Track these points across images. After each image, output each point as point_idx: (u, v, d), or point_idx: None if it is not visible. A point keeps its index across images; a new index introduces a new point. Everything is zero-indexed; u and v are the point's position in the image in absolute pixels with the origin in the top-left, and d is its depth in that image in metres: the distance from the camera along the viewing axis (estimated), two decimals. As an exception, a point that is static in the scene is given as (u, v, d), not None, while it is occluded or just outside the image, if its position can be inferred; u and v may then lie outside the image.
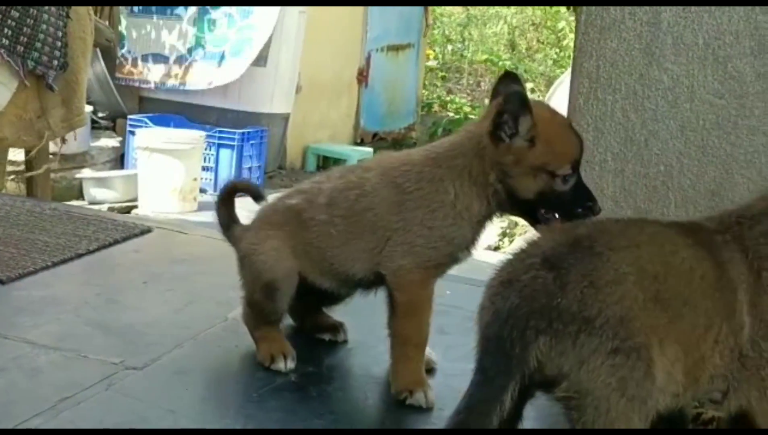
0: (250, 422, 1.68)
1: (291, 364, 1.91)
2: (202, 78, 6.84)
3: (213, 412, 1.72)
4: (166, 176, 5.95)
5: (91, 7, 3.44)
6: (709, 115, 1.78)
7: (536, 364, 1.22)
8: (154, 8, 7.07)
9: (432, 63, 11.55)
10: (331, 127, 8.08)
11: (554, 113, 1.74)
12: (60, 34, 3.99)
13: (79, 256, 2.43)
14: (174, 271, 2.41)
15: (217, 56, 6.89)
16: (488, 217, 1.77)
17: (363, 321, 2.07)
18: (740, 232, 1.38)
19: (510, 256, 1.35)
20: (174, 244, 2.67)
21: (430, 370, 1.95)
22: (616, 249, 1.30)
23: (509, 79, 1.78)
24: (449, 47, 12.20)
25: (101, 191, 6.18)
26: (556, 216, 1.69)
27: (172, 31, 7.04)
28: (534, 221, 1.73)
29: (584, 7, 1.84)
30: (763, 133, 1.74)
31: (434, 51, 11.71)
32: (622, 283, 1.26)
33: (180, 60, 7.01)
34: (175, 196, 5.98)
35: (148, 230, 2.68)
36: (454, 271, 1.89)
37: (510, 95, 1.67)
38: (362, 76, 8.49)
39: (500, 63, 11.24)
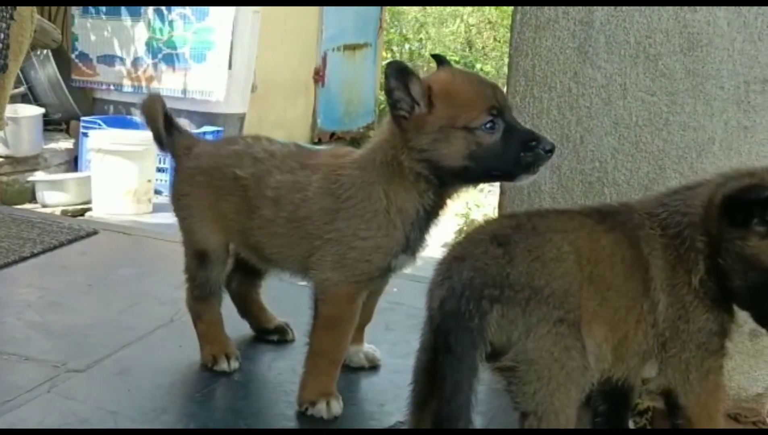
0: (192, 422, 1.69)
1: (235, 365, 1.91)
2: (173, 84, 6.77)
3: (155, 412, 1.72)
4: (119, 178, 5.89)
5: (35, 9, 3.38)
6: (642, 111, 1.81)
7: (491, 334, 1.26)
8: (108, 9, 7.00)
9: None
10: (288, 127, 8.05)
11: (456, 72, 1.69)
12: (2, 36, 3.92)
13: (24, 259, 2.42)
14: (119, 274, 2.40)
15: (176, 59, 6.84)
16: (430, 213, 1.68)
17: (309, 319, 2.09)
18: (655, 213, 1.42)
19: (459, 239, 1.39)
20: (120, 246, 2.66)
21: (375, 367, 1.97)
22: (556, 231, 1.35)
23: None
24: (407, 46, 12.22)
25: (54, 194, 6.11)
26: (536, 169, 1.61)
27: (127, 33, 6.98)
28: (508, 179, 1.66)
29: (519, 7, 1.87)
30: (693, 129, 1.78)
31: (392, 50, 11.74)
32: (564, 261, 1.31)
33: (137, 62, 6.96)
34: (130, 197, 5.93)
35: (95, 232, 2.67)
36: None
37: (387, 70, 1.61)
38: (318, 76, 8.49)
39: (457, 62, 11.29)
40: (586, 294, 1.31)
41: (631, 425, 1.69)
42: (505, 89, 1.86)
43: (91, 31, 7.07)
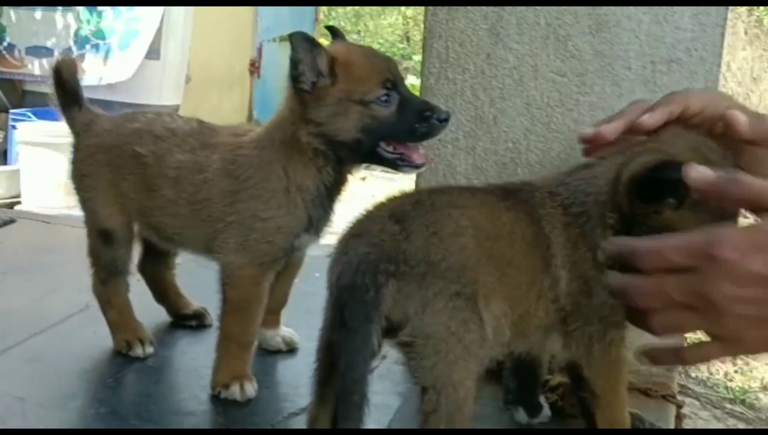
0: (102, 407, 1.66)
1: (149, 350, 1.89)
2: (90, 73, 6.66)
3: (65, 397, 1.69)
4: (50, 171, 5.79)
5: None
6: (553, 92, 1.84)
7: (387, 308, 1.25)
8: (38, -1, 6.87)
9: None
10: (224, 119, 7.90)
11: (351, 45, 1.70)
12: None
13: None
14: (35, 261, 2.36)
15: (103, 49, 6.74)
16: (331, 190, 1.69)
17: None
18: (556, 192, 1.44)
19: (358, 217, 1.38)
20: (37, 234, 2.61)
21: (293, 350, 1.97)
22: (455, 206, 1.35)
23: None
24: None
25: (-19, 188, 5.99)
26: (419, 149, 1.64)
27: (57, 23, 6.85)
28: (393, 165, 1.65)
29: (432, -12, 1.88)
30: (602, 109, 1.81)
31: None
32: (462, 235, 1.31)
33: (65, 53, 6.83)
34: (61, 190, 5.83)
35: (12, 221, 2.62)
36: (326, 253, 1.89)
37: (293, 41, 1.58)
38: (254, 67, 8.44)
39: (394, 53, 11.33)
40: (484, 269, 1.32)
41: (542, 401, 1.71)
42: (409, 62, 1.88)
43: (19, 22, 6.92)
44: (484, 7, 1.84)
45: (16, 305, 2.08)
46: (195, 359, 1.89)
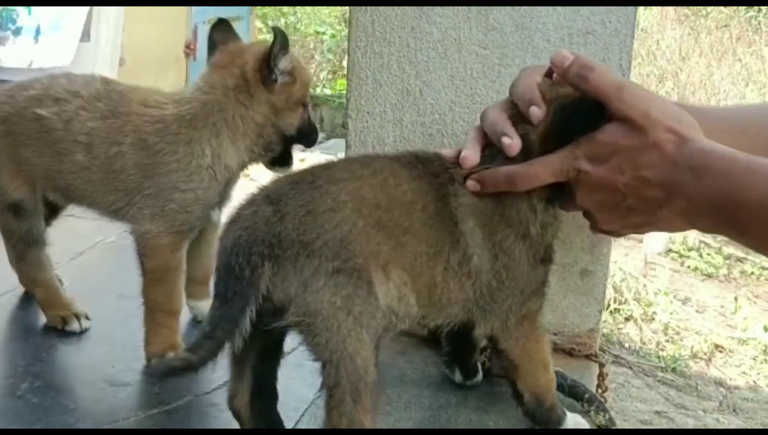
0: (37, 380, 1.68)
1: (86, 323, 1.90)
2: (18, 55, 6.52)
3: (1, 372, 1.70)
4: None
5: None
6: (476, 64, 1.89)
7: (266, 291, 1.27)
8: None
9: (265, 36, 11.48)
10: (160, 102, 7.91)
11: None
12: None
13: None
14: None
15: (32, 30, 6.60)
16: (241, 169, 1.79)
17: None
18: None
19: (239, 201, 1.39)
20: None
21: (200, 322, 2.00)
22: (335, 181, 1.36)
23: (224, 28, 1.83)
24: (282, 20, 12.15)
25: None
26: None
27: (-20, 4, 6.70)
28: (287, 164, 1.82)
29: (357, -37, 1.91)
30: (523, 81, 1.87)
31: (267, 24, 11.64)
32: (340, 211, 1.32)
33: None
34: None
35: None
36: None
37: (277, 35, 1.70)
38: (190, 49, 8.36)
39: (329, 35, 11.31)
40: (374, 240, 1.33)
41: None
42: (346, 44, 1.93)
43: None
44: (408, -18, 1.88)
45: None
46: (133, 332, 1.90)
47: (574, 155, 1.39)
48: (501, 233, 1.44)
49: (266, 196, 1.34)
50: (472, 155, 1.46)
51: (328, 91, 10.39)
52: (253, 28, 9.66)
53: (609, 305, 5.65)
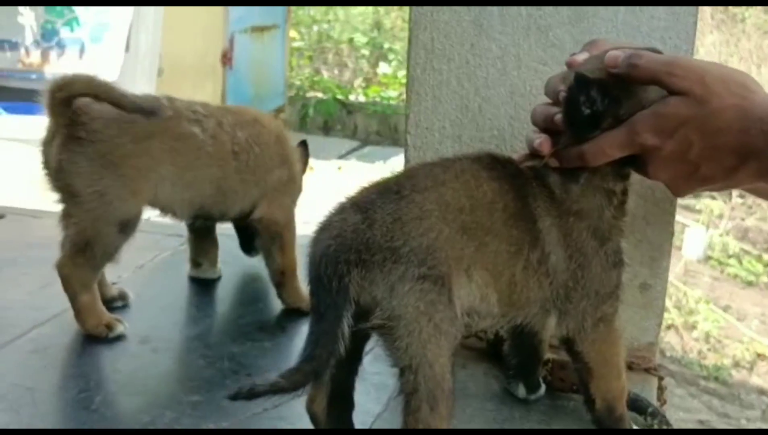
0: (109, 394, 1.72)
1: (127, 325, 1.97)
2: (65, 70, 6.62)
3: (72, 385, 1.74)
4: (22, 166, 5.78)
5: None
6: (535, 81, 1.91)
7: (355, 296, 1.30)
8: (3, -8, 6.82)
9: (298, 44, 11.56)
10: (197, 111, 7.99)
11: None
12: None
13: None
14: (29, 256, 2.39)
15: (77, 43, 6.71)
16: None
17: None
18: (546, 171, 1.51)
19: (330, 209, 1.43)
20: (28, 229, 2.64)
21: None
22: (419, 190, 1.39)
23: None
24: (315, 28, 12.23)
25: (-45, 184, 5.96)
26: None
27: (23, 17, 6.81)
28: None
29: (417, -18, 1.94)
30: (583, 96, 1.88)
31: (300, 32, 11.72)
32: (426, 219, 1.35)
33: (35, 46, 6.80)
34: (35, 185, 5.82)
35: (1, 216, 2.64)
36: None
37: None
38: (226, 58, 8.46)
39: (364, 42, 11.37)
40: (459, 244, 1.36)
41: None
42: (407, 43, 1.96)
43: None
44: None
45: (13, 299, 2.12)
46: (195, 344, 1.94)
47: (635, 130, 1.44)
48: (575, 230, 1.47)
49: (355, 205, 1.38)
50: (545, 140, 1.52)
51: (362, 99, 10.42)
52: (288, 37, 9.73)
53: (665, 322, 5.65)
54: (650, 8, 1.84)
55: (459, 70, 1.95)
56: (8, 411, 1.64)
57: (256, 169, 2.11)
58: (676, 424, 4.94)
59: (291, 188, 2.20)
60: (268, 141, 2.14)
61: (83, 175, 1.91)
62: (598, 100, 1.45)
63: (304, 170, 2.31)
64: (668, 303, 6.00)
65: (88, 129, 1.91)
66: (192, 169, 2.01)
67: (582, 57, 1.57)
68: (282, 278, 2.16)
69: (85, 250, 1.93)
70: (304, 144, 2.35)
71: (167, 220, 2.13)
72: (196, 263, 2.33)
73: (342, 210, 1.39)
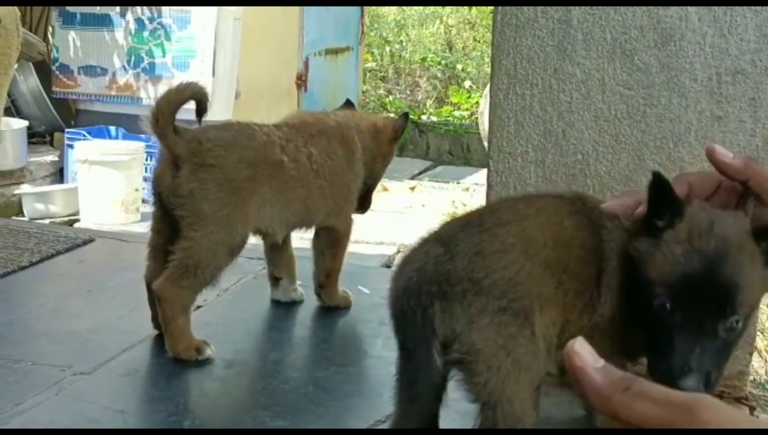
0: (198, 419, 1.75)
1: (214, 349, 2.00)
2: (156, 92, 6.78)
3: (162, 410, 1.77)
4: (107, 188, 5.94)
5: (20, 22, 3.43)
6: (620, 105, 1.89)
7: (437, 326, 1.30)
8: (88, 19, 7.03)
9: (370, 65, 11.64)
10: (273, 132, 8.10)
11: None
12: (-12, 49, 3.97)
13: (22, 268, 2.46)
14: (118, 279, 2.45)
15: (164, 68, 6.88)
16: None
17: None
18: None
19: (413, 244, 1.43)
20: (117, 252, 2.71)
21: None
22: (502, 224, 1.37)
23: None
24: (387, 49, 12.30)
25: (41, 206, 6.14)
26: None
27: (108, 43, 7.01)
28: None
29: (499, 7, 1.94)
30: (669, 120, 1.86)
31: (372, 53, 11.81)
32: (508, 252, 1.33)
33: (119, 73, 6.99)
34: (117, 207, 5.98)
35: (91, 240, 2.72)
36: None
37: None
38: (301, 81, 8.55)
39: (437, 62, 11.39)
40: (539, 280, 1.34)
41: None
42: (488, 87, 1.95)
43: (72, 42, 7.09)
44: (551, 24, 1.90)
45: (104, 322, 2.18)
46: (274, 364, 1.97)
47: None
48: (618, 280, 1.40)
49: (437, 238, 1.38)
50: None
51: (434, 119, 10.43)
52: (362, 58, 9.81)
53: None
54: (740, 30, 1.81)
55: (542, 95, 1.94)
56: None
57: (332, 180, 2.21)
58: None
59: (355, 185, 2.31)
60: (336, 148, 2.23)
61: (212, 200, 1.96)
62: None
63: (397, 138, 2.41)
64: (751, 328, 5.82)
65: (214, 155, 1.98)
66: (284, 191, 2.09)
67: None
68: (327, 280, 2.32)
69: (195, 272, 1.97)
70: (405, 116, 2.49)
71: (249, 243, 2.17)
72: (275, 280, 2.37)
73: (424, 243, 1.38)
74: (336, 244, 2.29)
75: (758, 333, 6.05)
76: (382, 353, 2.04)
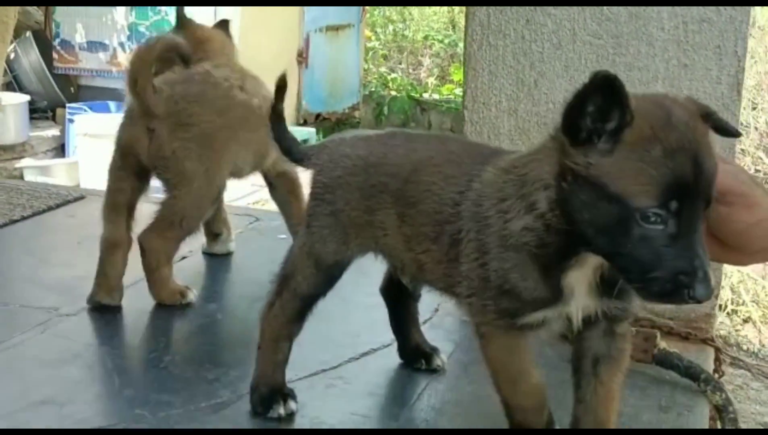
0: (177, 356, 1.81)
1: (196, 293, 2.06)
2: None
3: (144, 347, 1.84)
4: (107, 162, 5.99)
5: (16, -10, 3.50)
6: (590, 54, 1.93)
7: None
8: (88, -5, 7.08)
9: (373, 43, 11.66)
10: (274, 109, 8.14)
11: None
12: (-14, 17, 4.04)
13: (14, 221, 2.52)
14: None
15: (155, 41, 6.93)
16: None
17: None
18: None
19: None
20: (105, 208, 2.78)
21: None
22: None
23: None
24: (390, 27, 12.30)
25: (43, 180, 6.21)
26: None
27: (110, 19, 7.06)
28: None
29: (473, -41, 1.99)
30: (638, 69, 1.90)
31: (375, 32, 11.82)
32: None
33: (120, 48, 7.04)
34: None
35: (82, 197, 2.78)
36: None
37: None
38: (302, 58, 8.58)
39: (440, 40, 11.40)
40: None
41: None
42: (463, 39, 2.00)
43: (74, 17, 7.14)
44: (523, -25, 1.95)
45: (92, 271, 2.20)
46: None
47: None
48: None
49: None
50: None
51: (436, 96, 10.46)
52: (363, 36, 9.83)
53: (726, 307, 5.52)
54: (706, -20, 1.85)
55: (514, 45, 1.98)
56: (83, 368, 1.74)
57: None
58: (751, 418, 4.82)
59: None
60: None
61: (195, 158, 2.00)
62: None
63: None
64: (745, 297, 5.88)
65: (190, 113, 2.01)
66: (255, 131, 2.07)
67: None
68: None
69: (180, 225, 2.03)
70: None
71: (238, 202, 2.23)
72: (214, 235, 2.39)
73: None
74: (294, 186, 2.27)
75: (752, 303, 6.10)
76: (363, 293, 2.09)
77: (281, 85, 1.57)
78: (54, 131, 6.91)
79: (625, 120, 1.14)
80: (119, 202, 2.05)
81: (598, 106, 1.15)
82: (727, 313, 5.54)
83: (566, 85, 1.96)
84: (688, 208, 1.14)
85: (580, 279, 1.28)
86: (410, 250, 1.46)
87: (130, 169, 2.05)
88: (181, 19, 2.26)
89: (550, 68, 1.97)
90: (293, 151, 1.61)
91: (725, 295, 5.00)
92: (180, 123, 2.00)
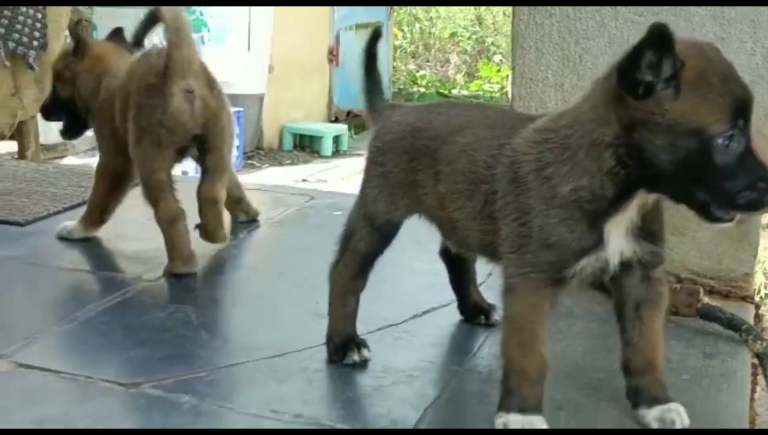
0: (266, 308, 1.98)
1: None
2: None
3: (224, 305, 2.04)
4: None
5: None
6: (632, 31, 2.06)
7: None
8: (126, -5, 7.26)
9: (400, 41, 11.81)
10: (306, 107, 8.31)
11: None
12: (39, 15, 4.22)
13: (86, 202, 2.68)
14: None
15: (201, 43, 7.10)
16: None
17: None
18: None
19: None
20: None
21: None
22: None
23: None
24: (417, 25, 12.44)
25: (86, 177, 6.42)
26: None
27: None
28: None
29: (520, -56, 2.12)
30: (677, 43, 2.03)
31: (402, 30, 11.96)
32: None
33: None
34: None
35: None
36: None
37: None
38: (333, 55, 8.72)
39: (467, 37, 11.53)
40: None
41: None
42: (511, 18, 2.13)
43: (110, 19, 7.31)
44: (568, -42, 2.08)
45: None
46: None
47: None
48: None
49: None
50: None
51: (464, 92, 10.59)
52: (391, 34, 9.97)
53: (759, 291, 5.60)
54: (740, -42, 1.97)
55: (560, 23, 2.12)
56: (175, 320, 1.90)
57: None
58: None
59: None
60: None
61: (229, 113, 2.35)
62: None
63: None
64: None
65: (205, 68, 2.33)
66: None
67: None
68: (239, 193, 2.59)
69: (226, 172, 2.35)
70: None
71: (293, 182, 2.39)
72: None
73: None
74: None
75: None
76: (420, 260, 2.23)
77: (377, 33, 1.89)
78: (95, 130, 7.10)
79: (678, 64, 1.30)
80: (161, 180, 2.21)
81: (653, 58, 1.32)
82: (760, 298, 5.61)
83: (609, 60, 2.06)
84: (748, 124, 1.31)
85: (621, 223, 1.40)
86: (443, 209, 1.59)
87: (172, 147, 2.19)
88: (77, 42, 2.57)
89: (594, 45, 2.10)
90: (374, 102, 1.80)
91: (758, 279, 5.08)
92: (210, 84, 2.26)
